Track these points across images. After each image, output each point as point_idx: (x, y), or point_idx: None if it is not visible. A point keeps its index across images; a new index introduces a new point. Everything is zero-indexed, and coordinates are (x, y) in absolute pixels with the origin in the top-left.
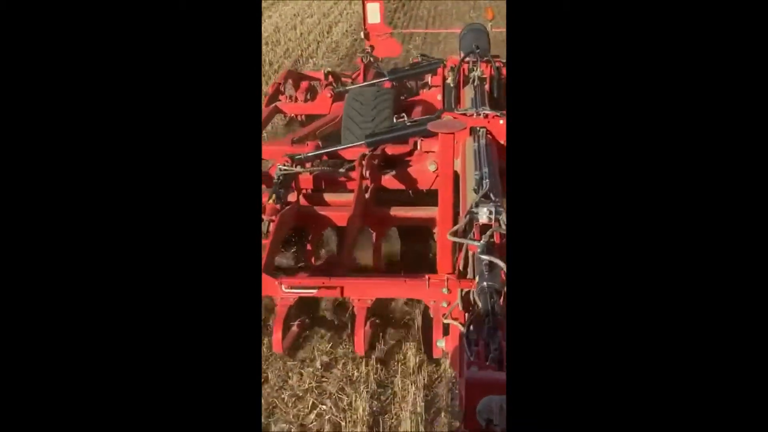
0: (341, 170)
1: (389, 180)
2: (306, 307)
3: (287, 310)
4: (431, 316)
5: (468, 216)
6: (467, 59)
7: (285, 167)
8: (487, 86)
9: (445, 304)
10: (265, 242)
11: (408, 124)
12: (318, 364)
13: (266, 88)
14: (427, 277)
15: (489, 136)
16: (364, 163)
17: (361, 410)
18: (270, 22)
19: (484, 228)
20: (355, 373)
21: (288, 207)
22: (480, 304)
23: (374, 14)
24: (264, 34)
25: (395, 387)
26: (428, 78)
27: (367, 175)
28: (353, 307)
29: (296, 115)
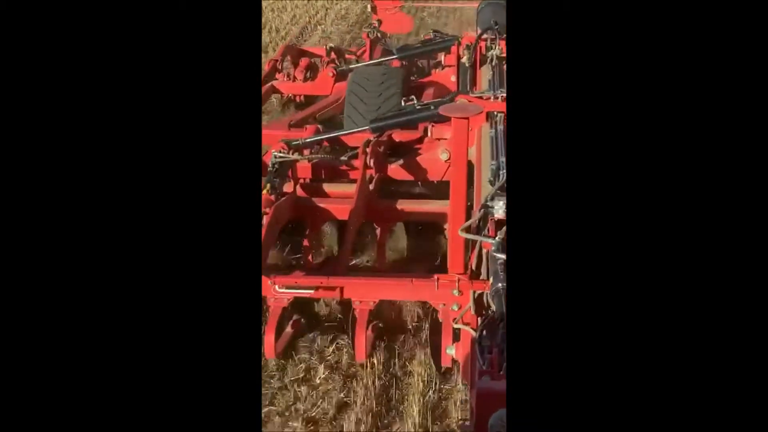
0: (343, 158)
1: (396, 170)
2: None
3: (281, 312)
4: (440, 320)
5: (482, 210)
6: (485, 36)
7: (281, 154)
8: (506, 66)
9: (455, 308)
10: None
11: (418, 107)
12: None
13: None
14: (436, 277)
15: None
16: (368, 150)
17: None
18: None
19: (500, 224)
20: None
21: (284, 198)
22: (494, 308)
23: None
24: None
25: (399, 401)
26: (441, 57)
27: (372, 164)
28: (354, 309)
29: (294, 96)
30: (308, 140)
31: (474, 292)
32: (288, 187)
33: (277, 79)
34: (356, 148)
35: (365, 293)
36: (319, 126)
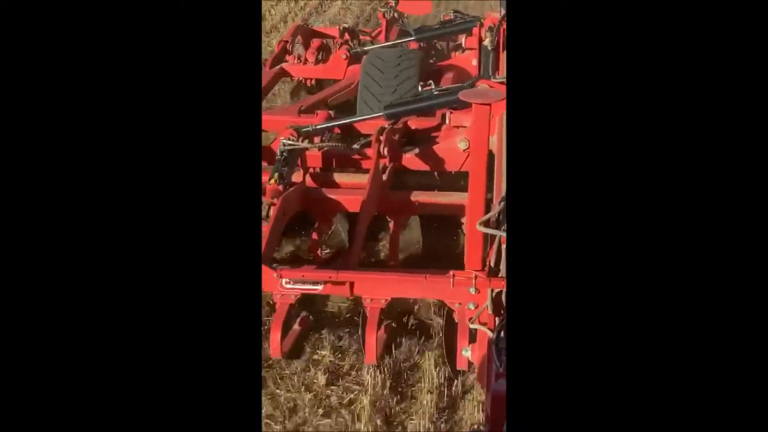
0: (355, 146)
1: (411, 159)
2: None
3: (288, 309)
4: (456, 320)
5: (502, 203)
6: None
7: (290, 141)
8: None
9: (472, 307)
10: (265, 228)
11: (436, 93)
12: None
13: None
14: (451, 274)
15: None
16: (382, 138)
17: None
18: None
19: None
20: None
21: (292, 188)
22: None
23: None
24: None
25: (409, 406)
26: (462, 39)
27: (386, 152)
28: (364, 307)
29: (305, 80)
30: (319, 127)
31: (492, 291)
32: (297, 177)
33: (287, 61)
34: (369, 135)
35: (376, 290)
36: (330, 112)
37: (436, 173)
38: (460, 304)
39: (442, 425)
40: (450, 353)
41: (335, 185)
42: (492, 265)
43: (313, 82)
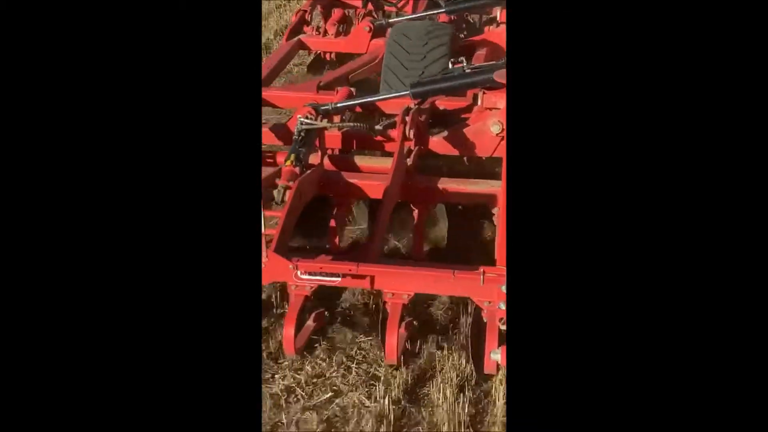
0: (378, 127)
1: (439, 143)
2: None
3: (303, 302)
4: (484, 320)
5: None
6: None
7: (307, 120)
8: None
9: (503, 306)
10: (280, 214)
11: (467, 71)
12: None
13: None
14: (481, 270)
15: None
16: (407, 119)
17: None
18: None
19: None
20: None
21: (309, 171)
22: None
23: None
24: None
25: (429, 412)
26: (496, 12)
27: (411, 134)
28: (385, 303)
29: (324, 54)
30: (339, 105)
31: None
32: (314, 159)
33: (305, 33)
34: (394, 115)
35: (399, 284)
36: (352, 89)
37: (465, 158)
38: (490, 302)
39: None
40: (477, 356)
41: (356, 169)
42: None
43: (334, 56)
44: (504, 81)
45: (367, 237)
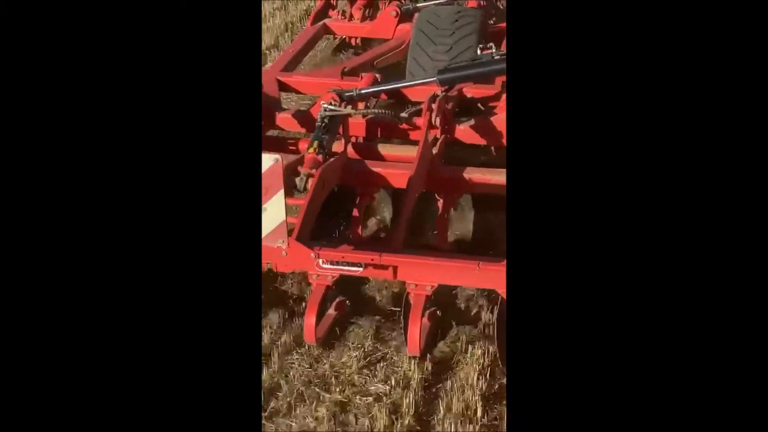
0: (403, 115)
1: (465, 132)
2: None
3: (324, 291)
4: None
5: None
6: None
7: (331, 106)
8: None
9: None
10: (302, 202)
11: (496, 57)
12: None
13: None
14: (505, 262)
15: None
16: (433, 106)
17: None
18: None
19: None
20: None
21: (332, 159)
22: None
23: None
24: None
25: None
26: None
27: (437, 123)
28: (408, 294)
29: (349, 38)
30: (364, 92)
31: None
32: (338, 147)
33: (330, 17)
34: (420, 103)
35: (423, 276)
36: (377, 75)
37: (493, 148)
38: None
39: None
40: (502, 349)
41: (380, 157)
42: None
43: (359, 41)
44: None
45: (390, 227)
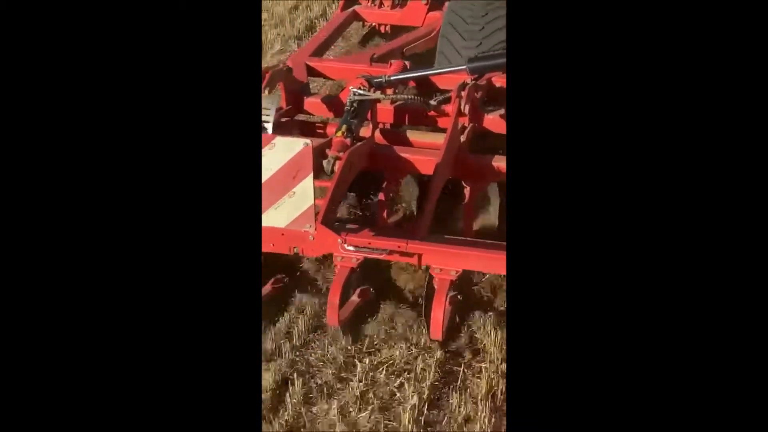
0: (432, 102)
1: (494, 121)
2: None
3: (348, 274)
4: None
5: None
6: None
7: (360, 92)
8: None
9: None
10: (329, 185)
11: None
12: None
13: None
14: None
15: None
16: (462, 94)
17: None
18: None
19: None
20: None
21: (360, 144)
22: None
23: None
24: None
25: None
26: None
27: (466, 111)
28: (431, 278)
29: (379, 25)
30: (393, 78)
31: None
32: (365, 132)
33: (360, 4)
34: (448, 91)
35: (448, 262)
36: (406, 62)
37: None
38: None
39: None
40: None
41: (407, 143)
42: None
43: (389, 28)
44: None
45: (416, 213)
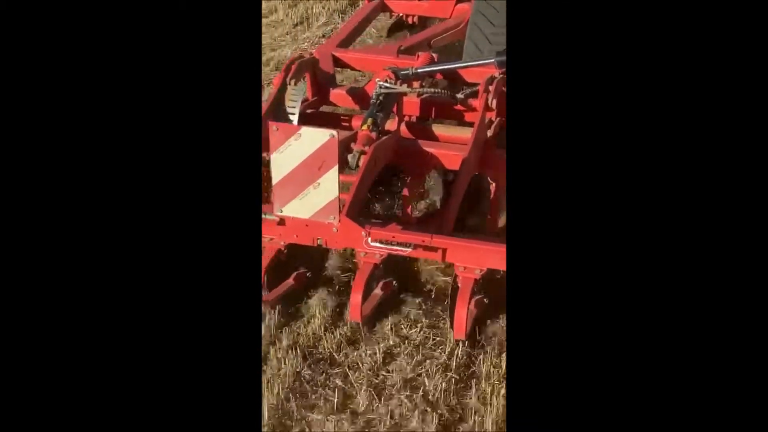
0: (459, 95)
1: None
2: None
3: (372, 269)
4: None
5: None
6: None
7: (387, 84)
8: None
9: None
10: (354, 179)
11: None
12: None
13: None
14: None
15: None
16: (490, 88)
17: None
18: None
19: None
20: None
21: (385, 137)
22: None
23: None
24: None
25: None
26: None
27: (493, 105)
28: (456, 277)
29: (407, 16)
30: (420, 70)
31: None
32: (391, 125)
33: None
34: (476, 84)
35: (472, 259)
36: (433, 54)
37: None
38: None
39: None
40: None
41: (433, 137)
42: None
43: (416, 19)
44: None
45: (440, 208)
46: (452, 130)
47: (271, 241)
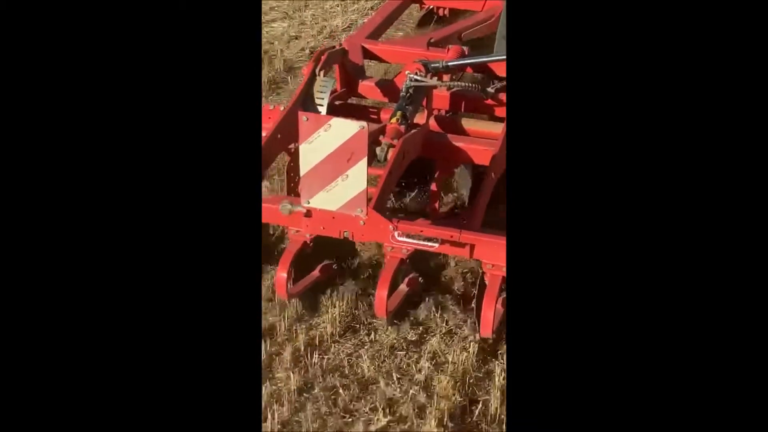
0: (490, 90)
1: None
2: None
3: (398, 264)
4: None
5: None
6: None
7: (417, 77)
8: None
9: None
10: (381, 172)
11: None
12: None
13: None
14: None
15: None
16: None
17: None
18: None
19: None
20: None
21: (414, 131)
22: None
23: None
24: None
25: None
26: None
27: None
28: (483, 274)
29: (438, 9)
30: (450, 64)
31: None
32: (420, 118)
33: None
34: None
35: (500, 256)
36: (464, 48)
37: None
38: None
39: None
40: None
41: (463, 132)
42: None
43: (447, 12)
44: None
45: (468, 204)
46: (482, 125)
47: (297, 233)
